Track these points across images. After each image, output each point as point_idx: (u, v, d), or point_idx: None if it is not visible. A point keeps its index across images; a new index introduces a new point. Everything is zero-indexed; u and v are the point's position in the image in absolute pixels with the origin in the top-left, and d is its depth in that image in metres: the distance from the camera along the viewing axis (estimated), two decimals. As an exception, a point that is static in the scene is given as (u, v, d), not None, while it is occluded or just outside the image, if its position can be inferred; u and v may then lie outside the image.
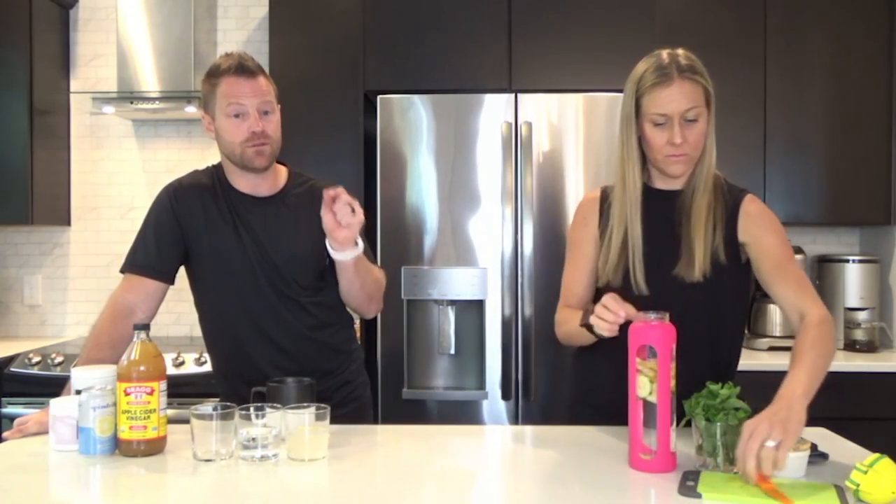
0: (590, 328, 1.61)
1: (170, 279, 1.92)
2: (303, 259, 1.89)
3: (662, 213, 1.74)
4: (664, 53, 1.69)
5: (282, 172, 1.98)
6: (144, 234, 1.92)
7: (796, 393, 1.39)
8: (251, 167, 1.86)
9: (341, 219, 1.72)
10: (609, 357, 1.64)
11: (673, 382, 1.41)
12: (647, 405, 1.41)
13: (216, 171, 1.96)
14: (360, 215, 1.73)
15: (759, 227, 1.72)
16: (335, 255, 1.79)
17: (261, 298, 1.88)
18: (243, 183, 1.92)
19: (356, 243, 1.78)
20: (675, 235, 1.72)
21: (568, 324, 1.76)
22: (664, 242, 1.72)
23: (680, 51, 1.70)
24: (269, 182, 1.94)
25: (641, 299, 1.62)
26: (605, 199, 1.80)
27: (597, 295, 1.78)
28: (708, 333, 1.75)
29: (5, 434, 1.72)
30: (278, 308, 1.89)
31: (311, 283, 1.91)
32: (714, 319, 1.75)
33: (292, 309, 1.90)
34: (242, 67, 1.82)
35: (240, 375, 1.89)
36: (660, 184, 1.78)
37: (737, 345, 1.82)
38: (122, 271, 1.91)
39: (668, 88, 1.64)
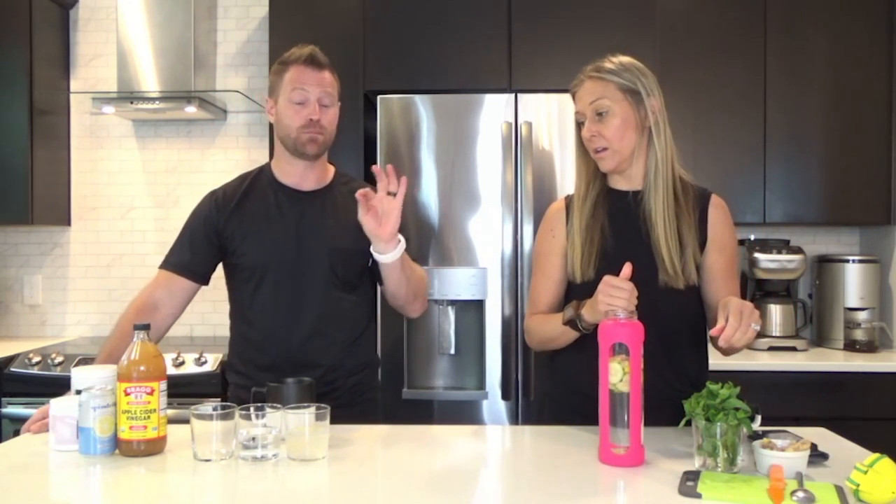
0: (573, 324, 1.65)
1: (201, 279, 1.96)
2: (348, 253, 1.92)
3: (624, 213, 1.76)
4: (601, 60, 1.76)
5: (329, 169, 2.04)
6: (182, 235, 1.99)
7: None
8: (302, 153, 1.91)
9: (383, 207, 1.74)
10: (585, 358, 1.63)
11: (642, 378, 1.44)
12: (619, 401, 1.43)
13: (262, 169, 2.03)
14: (399, 198, 1.74)
15: (723, 222, 1.79)
16: (381, 258, 1.82)
17: (306, 291, 1.90)
18: (290, 175, 1.97)
19: (398, 240, 1.81)
20: (642, 240, 1.74)
21: (543, 326, 1.79)
22: (633, 247, 1.72)
23: (621, 57, 1.75)
24: (316, 175, 1.99)
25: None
26: (570, 206, 1.82)
27: (568, 295, 1.80)
28: (691, 334, 1.79)
29: (28, 426, 1.71)
30: (324, 302, 1.91)
31: (352, 280, 1.94)
32: (696, 319, 1.80)
33: (336, 303, 1.92)
34: (313, 59, 1.91)
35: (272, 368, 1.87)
36: (621, 184, 1.80)
37: (706, 342, 1.83)
38: (159, 267, 1.97)
39: (580, 89, 1.76)
